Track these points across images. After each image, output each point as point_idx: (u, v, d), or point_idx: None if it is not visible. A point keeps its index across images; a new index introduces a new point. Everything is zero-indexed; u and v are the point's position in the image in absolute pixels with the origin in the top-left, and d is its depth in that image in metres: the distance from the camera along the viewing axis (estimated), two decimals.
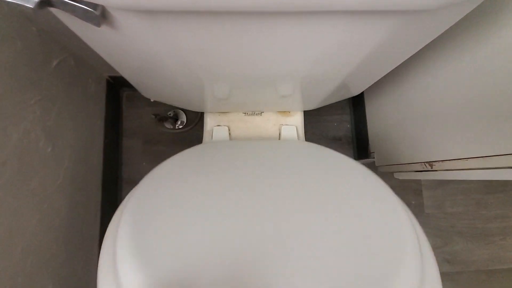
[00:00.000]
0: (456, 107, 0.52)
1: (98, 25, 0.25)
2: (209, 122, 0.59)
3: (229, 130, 0.58)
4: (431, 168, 0.62)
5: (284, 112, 0.59)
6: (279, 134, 0.59)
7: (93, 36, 0.30)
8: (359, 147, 0.97)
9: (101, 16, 0.24)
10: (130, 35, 0.28)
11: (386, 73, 0.47)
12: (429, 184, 1.02)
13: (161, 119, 0.80)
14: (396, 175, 0.82)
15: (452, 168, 0.57)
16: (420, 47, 0.36)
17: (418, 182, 1.01)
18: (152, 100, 0.56)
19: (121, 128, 0.95)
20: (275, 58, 0.33)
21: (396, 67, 0.68)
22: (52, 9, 0.24)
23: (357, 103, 0.98)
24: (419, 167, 0.67)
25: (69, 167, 0.68)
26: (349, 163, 0.47)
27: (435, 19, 0.27)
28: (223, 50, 0.31)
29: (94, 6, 0.23)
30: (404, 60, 0.40)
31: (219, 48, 0.30)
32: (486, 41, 0.43)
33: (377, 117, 0.84)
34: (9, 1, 0.22)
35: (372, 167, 1.00)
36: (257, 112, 0.59)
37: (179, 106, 0.56)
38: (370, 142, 0.91)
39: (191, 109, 0.57)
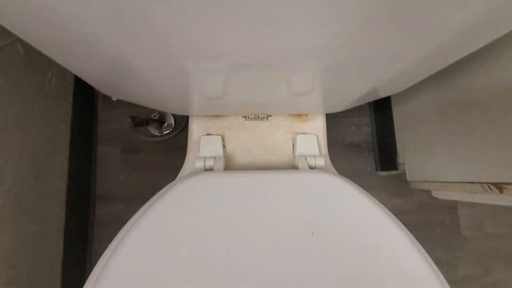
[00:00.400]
0: None
1: None
2: (196, 129, 0.42)
3: (223, 140, 0.41)
4: (500, 191, 0.46)
5: (300, 116, 0.43)
6: (293, 147, 0.42)
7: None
8: (383, 155, 0.80)
9: None
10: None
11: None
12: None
13: (140, 123, 0.63)
14: (435, 194, 0.65)
15: None
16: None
17: None
18: (114, 99, 0.39)
19: (95, 133, 0.78)
20: (296, 17, 0.16)
21: None
22: None
23: (380, 103, 0.81)
24: (478, 189, 0.50)
25: (12, 188, 0.51)
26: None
27: None
28: (215, 16, 0.14)
29: None
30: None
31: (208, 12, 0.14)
32: None
33: (411, 120, 0.67)
34: None
35: (401, 180, 0.84)
36: (263, 116, 0.43)
37: (153, 107, 0.39)
38: (398, 151, 0.74)
39: (169, 111, 0.40)
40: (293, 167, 0.41)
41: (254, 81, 0.31)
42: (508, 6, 0.17)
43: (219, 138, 0.41)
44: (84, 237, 0.73)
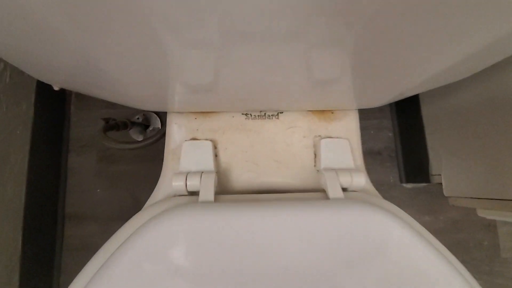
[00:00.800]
0: None
1: None
2: (177, 132, 0.29)
3: (215, 148, 0.28)
4: None
5: (324, 112, 0.30)
6: (316, 157, 0.29)
7: None
8: (409, 165, 0.68)
9: None
10: None
11: None
12: None
13: (114, 126, 0.50)
14: (482, 213, 0.52)
15: None
16: None
17: None
18: (56, 88, 0.27)
19: (65, 139, 0.65)
20: None
21: None
22: None
23: (402, 102, 0.69)
24: None
25: None
26: None
27: None
28: None
29: None
30: None
31: None
32: None
33: (450, 122, 0.55)
34: None
35: (429, 194, 0.71)
36: (271, 113, 0.30)
37: (112, 100, 0.27)
38: (431, 160, 0.61)
39: (138, 107, 0.28)
40: (316, 186, 0.28)
41: (259, 60, 0.19)
42: None
43: (209, 144, 0.28)
44: (48, 266, 0.59)
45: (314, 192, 0.27)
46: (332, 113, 0.31)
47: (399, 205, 0.74)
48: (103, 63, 0.19)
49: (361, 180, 0.26)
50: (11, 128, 0.52)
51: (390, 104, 0.74)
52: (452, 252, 0.70)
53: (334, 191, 0.24)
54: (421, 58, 0.20)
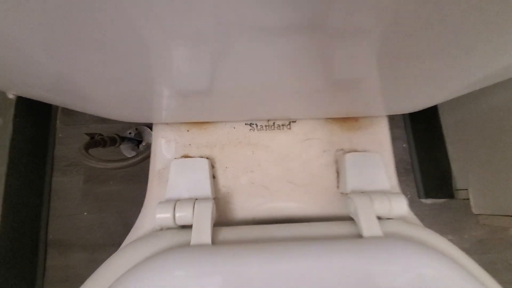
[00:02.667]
0: None
1: None
2: (164, 148, 0.24)
3: (212, 167, 0.22)
4: None
5: (347, 120, 0.25)
6: (338, 175, 0.23)
7: None
8: (428, 178, 0.62)
9: None
10: None
11: None
12: None
13: (100, 142, 0.45)
14: None
15: None
16: None
17: None
18: (10, 96, 0.23)
19: (50, 157, 0.60)
20: None
21: None
22: None
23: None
24: None
25: None
26: None
27: None
28: None
29: None
30: None
31: None
32: None
33: (475, 131, 0.49)
34: None
35: (451, 210, 0.64)
36: (282, 122, 0.24)
37: (87, 111, 0.21)
38: (455, 174, 0.55)
39: (116, 118, 0.22)
40: (342, 213, 0.22)
41: (267, 53, 0.14)
42: None
43: (205, 162, 0.22)
44: None
45: (340, 222, 0.21)
46: (357, 121, 0.25)
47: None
48: (99, 82, 0.14)
49: (402, 206, 0.20)
50: None
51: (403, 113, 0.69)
52: None
53: (370, 226, 0.18)
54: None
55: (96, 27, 0.12)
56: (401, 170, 0.68)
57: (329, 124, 0.25)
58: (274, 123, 0.25)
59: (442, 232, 0.63)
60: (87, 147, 0.39)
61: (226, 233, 0.20)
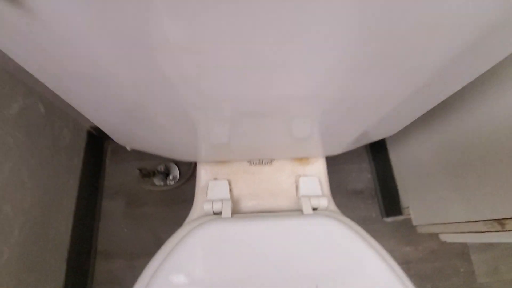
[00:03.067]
0: None
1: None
2: (204, 175, 0.44)
3: (229, 185, 0.43)
4: (502, 228, 0.46)
5: (302, 160, 0.46)
6: (296, 188, 0.44)
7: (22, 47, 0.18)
8: (386, 201, 0.81)
9: None
10: (66, 36, 0.16)
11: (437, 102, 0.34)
12: (477, 245, 0.83)
13: (147, 174, 0.65)
14: (443, 237, 0.64)
15: None
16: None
17: (464, 243, 0.82)
18: (129, 149, 0.43)
19: (101, 187, 0.80)
20: (291, 69, 0.20)
21: None
22: None
23: (376, 148, 0.85)
24: (482, 227, 0.50)
25: (18, 241, 0.51)
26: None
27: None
28: (222, 55, 0.18)
29: None
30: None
31: (216, 53, 0.18)
32: None
33: (409, 162, 0.70)
34: None
35: (408, 226, 0.82)
36: (266, 161, 0.45)
37: (164, 155, 0.42)
38: (401, 195, 0.75)
39: (179, 159, 0.43)
40: (297, 208, 0.42)
41: (257, 128, 0.35)
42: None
43: (226, 182, 0.43)
44: None
45: (296, 211, 0.41)
46: (308, 160, 0.46)
47: (381, 237, 0.87)
48: (170, 137, 0.35)
49: (324, 202, 0.40)
50: (66, 178, 0.67)
51: (367, 151, 0.90)
52: (433, 279, 0.81)
53: (307, 210, 0.39)
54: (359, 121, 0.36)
55: (195, 135, 0.33)
56: (368, 196, 0.87)
57: (293, 161, 0.46)
58: (262, 161, 0.46)
59: (401, 244, 0.81)
60: (143, 176, 0.60)
61: (237, 216, 0.40)
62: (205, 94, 0.24)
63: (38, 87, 0.56)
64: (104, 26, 0.16)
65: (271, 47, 0.18)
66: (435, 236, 0.81)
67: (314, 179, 0.43)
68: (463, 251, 0.81)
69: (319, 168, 0.45)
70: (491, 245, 0.83)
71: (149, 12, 0.15)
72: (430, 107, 0.33)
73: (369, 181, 0.87)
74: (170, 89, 0.23)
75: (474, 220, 0.52)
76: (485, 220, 0.49)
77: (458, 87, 0.28)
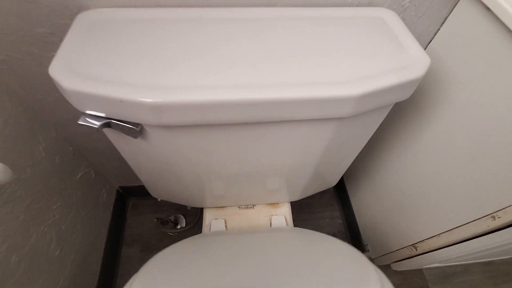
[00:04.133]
0: (423, 185, 0.62)
1: (136, 137, 0.37)
2: (208, 216, 0.66)
3: (225, 222, 0.65)
4: (416, 250, 0.66)
5: (273, 204, 0.68)
6: (270, 224, 0.65)
7: (127, 146, 0.43)
8: (354, 241, 1.00)
9: (139, 132, 0.37)
10: (155, 144, 0.40)
11: (348, 163, 0.59)
12: (435, 279, 0.99)
13: (162, 222, 0.86)
14: (393, 267, 0.82)
15: (436, 247, 0.61)
16: (365, 142, 0.50)
17: (422, 277, 0.98)
18: (159, 200, 0.65)
19: (122, 236, 0.99)
20: (261, 156, 0.45)
21: (367, 159, 0.81)
22: (106, 129, 0.37)
23: (343, 198, 1.07)
24: (407, 252, 0.70)
25: (69, 274, 0.69)
26: (334, 242, 0.52)
27: (361, 122, 0.41)
28: (222, 152, 0.43)
29: (137, 125, 0.36)
30: (356, 153, 0.53)
31: (218, 150, 0.43)
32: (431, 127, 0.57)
33: (363, 208, 0.91)
34: (81, 123, 0.35)
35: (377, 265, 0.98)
36: (250, 206, 0.68)
37: (183, 203, 0.64)
38: (362, 235, 0.94)
39: (193, 205, 0.65)
40: None
41: (244, 185, 0.58)
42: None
43: (223, 221, 0.65)
44: None
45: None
46: (278, 204, 0.69)
47: None
48: (190, 194, 0.59)
49: (284, 223, 0.62)
50: (100, 227, 0.87)
51: (336, 200, 1.12)
52: None
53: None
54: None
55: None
56: (341, 239, 1.05)
57: (268, 205, 0.68)
58: (247, 206, 0.68)
59: None
60: (162, 223, 0.80)
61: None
62: (215, 168, 0.48)
63: (93, 160, 0.80)
64: (179, 150, 0.41)
65: (252, 155, 0.43)
66: (399, 273, 0.99)
67: (282, 217, 0.65)
68: (423, 285, 0.97)
69: (285, 210, 0.67)
70: (446, 278, 0.99)
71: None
72: (346, 165, 0.57)
73: (340, 226, 1.07)
74: (202, 174, 0.48)
75: (403, 246, 0.72)
76: (407, 246, 0.70)
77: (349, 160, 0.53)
